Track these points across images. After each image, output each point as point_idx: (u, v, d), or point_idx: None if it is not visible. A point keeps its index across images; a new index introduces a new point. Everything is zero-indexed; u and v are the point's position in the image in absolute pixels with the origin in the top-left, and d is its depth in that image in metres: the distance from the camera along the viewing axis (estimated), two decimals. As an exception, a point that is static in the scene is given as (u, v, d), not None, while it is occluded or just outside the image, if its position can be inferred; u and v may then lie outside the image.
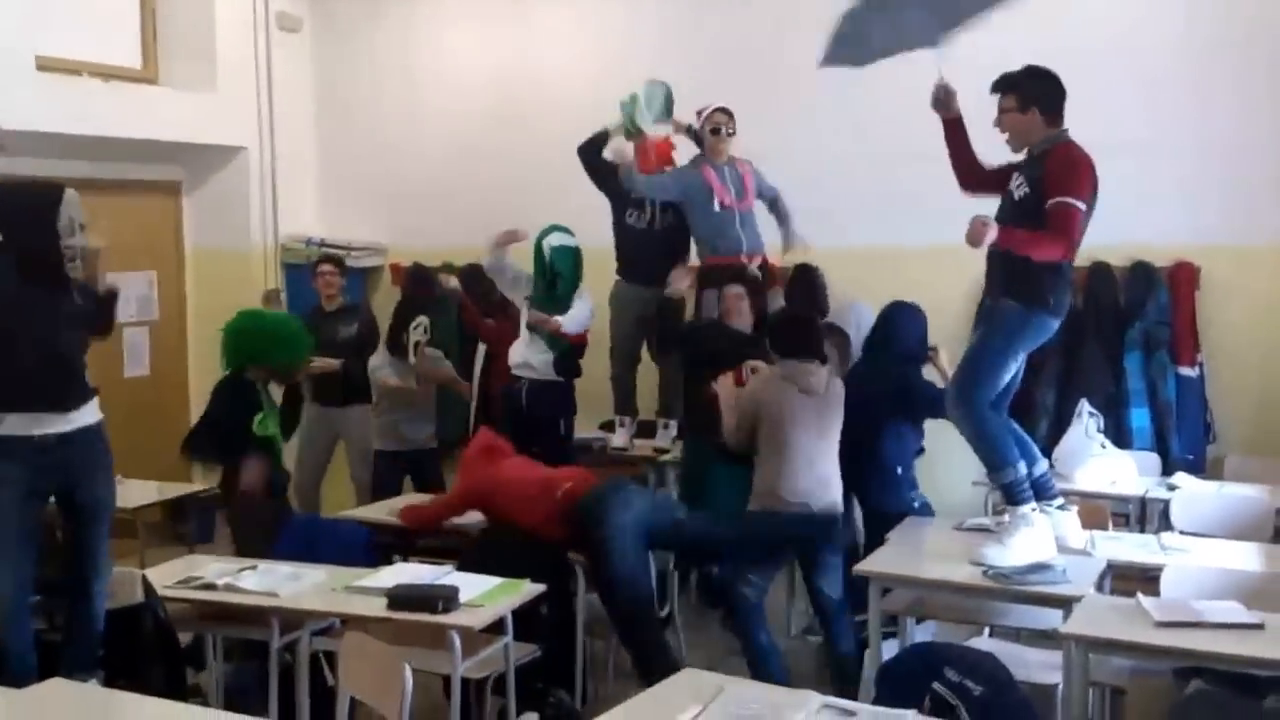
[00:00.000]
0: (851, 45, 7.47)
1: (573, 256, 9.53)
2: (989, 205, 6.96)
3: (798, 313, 8.69)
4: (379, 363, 10.08)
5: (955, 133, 7.31)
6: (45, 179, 6.42)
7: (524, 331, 9.53)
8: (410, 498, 9.16)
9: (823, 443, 7.66)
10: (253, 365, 8.57)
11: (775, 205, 9.58)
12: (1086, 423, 8.69)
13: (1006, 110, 6.89)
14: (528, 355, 9.46)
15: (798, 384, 7.62)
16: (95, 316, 6.47)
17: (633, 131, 9.57)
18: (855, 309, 8.98)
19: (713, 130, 9.33)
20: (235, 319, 8.79)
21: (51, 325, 6.18)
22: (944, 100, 7.24)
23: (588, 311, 9.58)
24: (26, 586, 6.21)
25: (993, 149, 7.12)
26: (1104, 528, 7.60)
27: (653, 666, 7.06)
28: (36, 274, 6.13)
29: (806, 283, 9.97)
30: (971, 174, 7.31)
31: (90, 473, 6.38)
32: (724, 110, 9.34)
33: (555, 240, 9.51)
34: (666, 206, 9.58)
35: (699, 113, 9.45)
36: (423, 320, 10.13)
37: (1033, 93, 6.82)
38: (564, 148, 9.78)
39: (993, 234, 6.48)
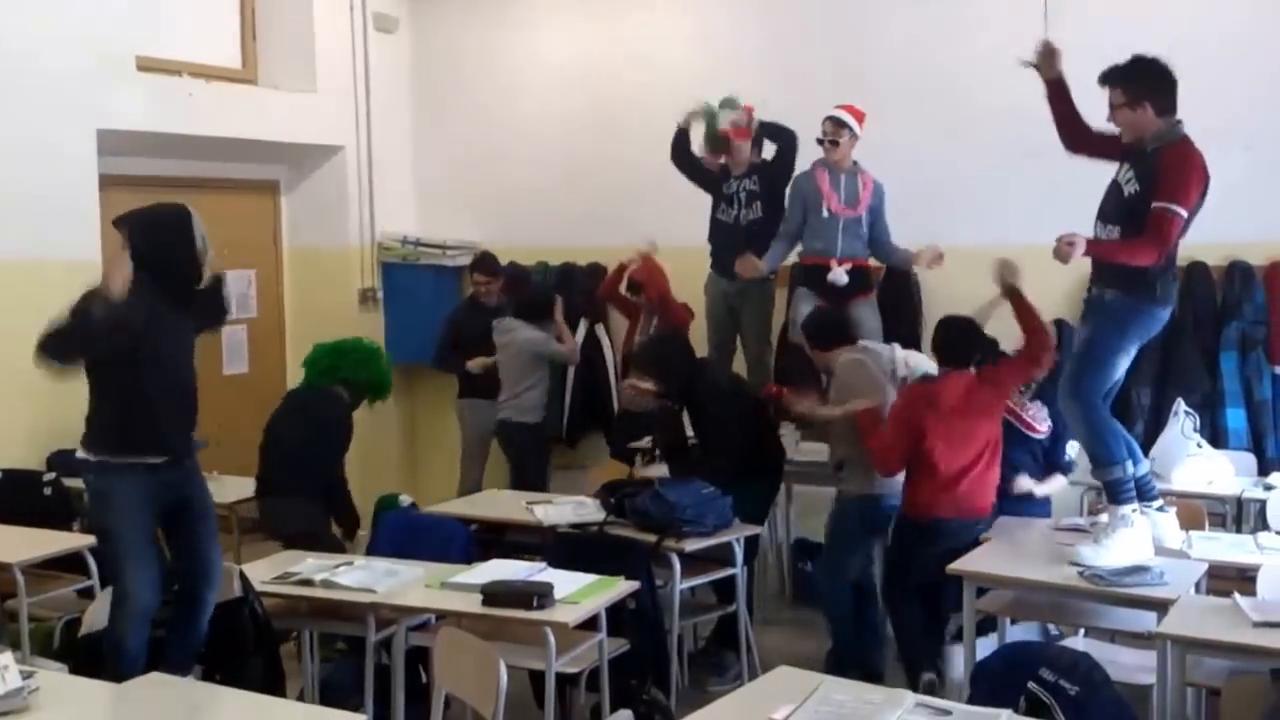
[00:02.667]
0: None
1: None
2: (1089, 196, 6.93)
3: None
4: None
5: (1058, 94, 7.08)
6: (170, 202, 6.49)
7: None
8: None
9: None
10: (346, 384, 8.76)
11: (879, 245, 9.36)
12: (1183, 422, 8.65)
13: (1117, 105, 6.70)
14: None
15: None
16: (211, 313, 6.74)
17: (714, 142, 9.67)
18: None
19: (818, 139, 9.18)
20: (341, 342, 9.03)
21: (186, 362, 6.42)
22: (1047, 59, 7.05)
23: None
24: (157, 593, 6.36)
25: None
26: (1200, 528, 7.56)
27: None
28: (181, 299, 6.27)
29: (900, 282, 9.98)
30: (1078, 138, 7.10)
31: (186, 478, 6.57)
32: (830, 118, 9.15)
33: None
34: (753, 202, 9.54)
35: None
36: None
37: (1142, 87, 6.64)
38: (660, 148, 9.84)
39: (1080, 250, 6.44)
